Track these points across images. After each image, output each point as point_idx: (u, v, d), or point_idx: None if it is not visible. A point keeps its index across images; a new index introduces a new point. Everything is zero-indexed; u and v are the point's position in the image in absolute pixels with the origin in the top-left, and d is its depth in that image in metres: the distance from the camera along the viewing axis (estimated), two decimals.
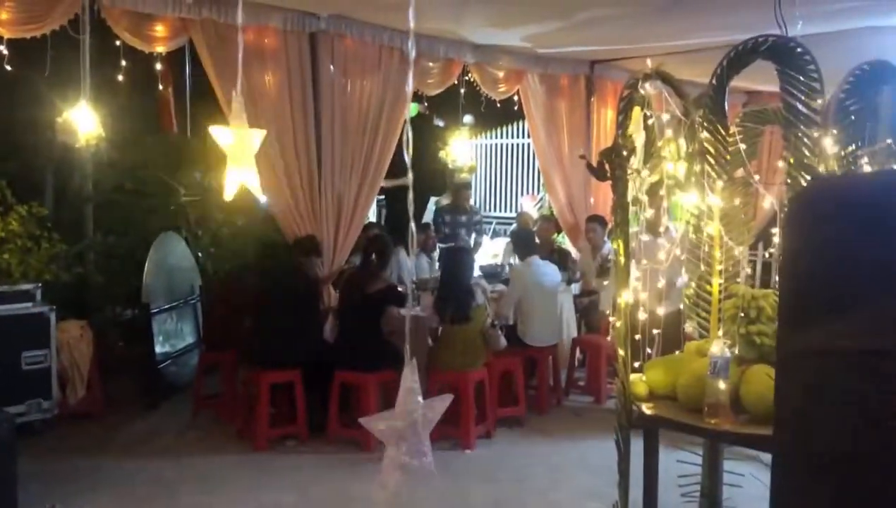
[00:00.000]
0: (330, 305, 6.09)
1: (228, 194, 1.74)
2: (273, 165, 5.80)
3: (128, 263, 6.97)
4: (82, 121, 6.25)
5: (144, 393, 6.34)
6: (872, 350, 1.11)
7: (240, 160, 1.68)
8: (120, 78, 6.41)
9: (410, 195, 1.89)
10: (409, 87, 1.73)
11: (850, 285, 1.16)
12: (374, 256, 5.68)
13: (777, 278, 3.75)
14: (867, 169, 2.94)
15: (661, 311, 3.65)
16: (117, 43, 5.57)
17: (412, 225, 1.83)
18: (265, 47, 5.72)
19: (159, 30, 5.35)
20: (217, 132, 1.70)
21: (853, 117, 2.74)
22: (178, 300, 6.94)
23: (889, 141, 2.86)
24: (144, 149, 7.89)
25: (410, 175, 1.56)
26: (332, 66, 6.09)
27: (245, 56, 5.52)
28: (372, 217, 10.92)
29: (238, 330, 5.86)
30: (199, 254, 7.61)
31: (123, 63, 6.20)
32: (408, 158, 1.36)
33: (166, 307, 6.71)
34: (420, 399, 1.52)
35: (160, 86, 7.91)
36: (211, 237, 7.84)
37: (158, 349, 6.48)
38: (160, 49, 5.61)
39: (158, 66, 7.02)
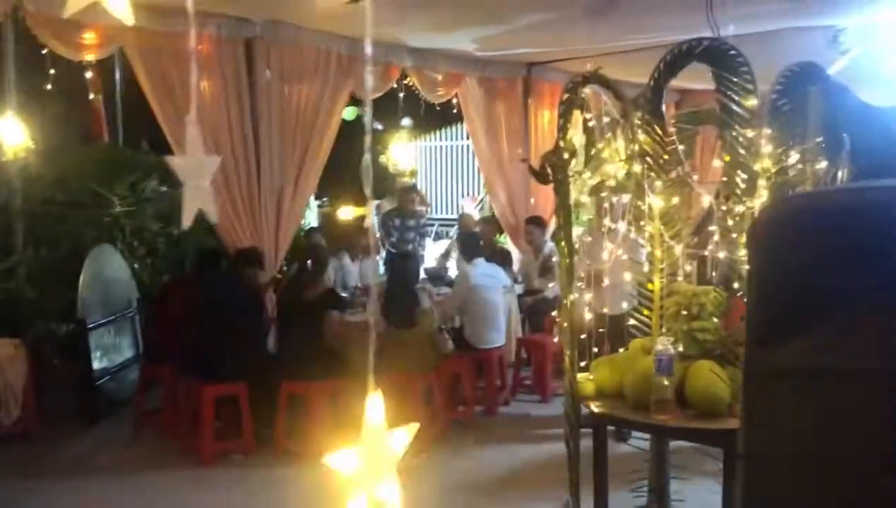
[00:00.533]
0: (272, 316, 6.01)
1: (186, 223, 1.70)
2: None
3: (62, 277, 6.74)
4: (9, 133, 6.03)
5: (83, 411, 6.15)
6: (833, 368, 1.15)
7: (196, 187, 1.64)
8: (48, 87, 6.20)
9: (371, 215, 1.89)
10: (369, 107, 1.70)
11: (811, 303, 1.19)
12: (309, 263, 5.63)
13: (714, 275, 3.86)
14: (798, 167, 3.05)
15: (605, 311, 3.73)
16: (45, 51, 5.39)
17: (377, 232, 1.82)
18: (199, 55, 5.61)
19: (89, 37, 5.18)
20: (172, 161, 1.66)
21: (785, 117, 2.82)
22: (116, 313, 6.75)
23: (818, 139, 2.96)
24: (75, 159, 7.66)
25: (372, 204, 1.55)
26: (268, 72, 6.02)
27: (178, 63, 5.48)
28: (314, 221, 10.84)
29: (179, 342, 5.73)
30: (136, 266, 7.42)
31: (52, 71, 6.00)
32: (367, 190, 1.34)
33: (103, 321, 6.51)
34: (386, 433, 1.46)
35: (91, 95, 7.69)
36: (147, 247, 7.64)
37: (96, 364, 6.28)
38: (90, 57, 5.45)
39: (88, 74, 6.82)
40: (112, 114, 9.06)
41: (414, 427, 1.36)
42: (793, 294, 1.21)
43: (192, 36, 2.09)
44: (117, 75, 8.59)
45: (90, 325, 6.22)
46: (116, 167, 7.72)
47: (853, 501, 1.15)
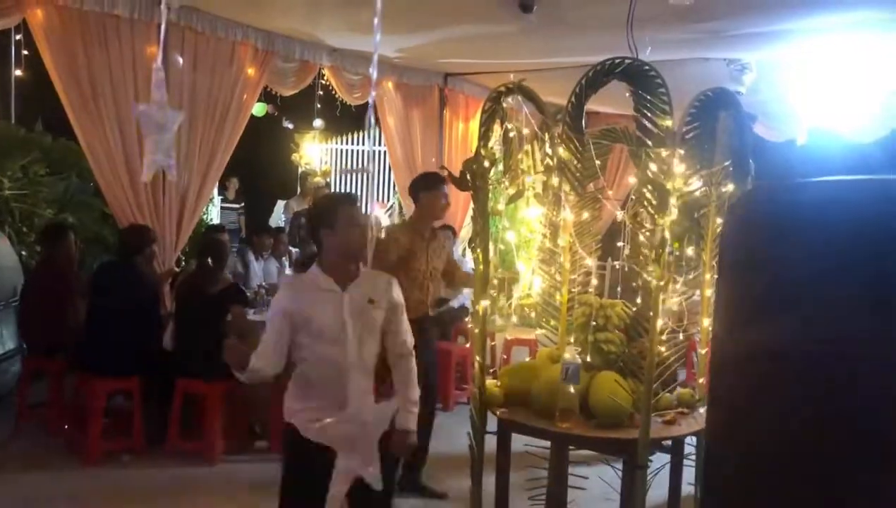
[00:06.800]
0: (169, 310, 5.79)
1: (146, 176, 1.61)
2: (114, 158, 5.50)
3: None
4: None
5: None
6: (794, 353, 1.19)
7: (158, 141, 1.56)
8: None
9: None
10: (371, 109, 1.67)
11: (778, 293, 1.24)
12: (210, 259, 5.47)
13: (620, 289, 3.97)
14: (703, 190, 3.18)
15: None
16: None
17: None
18: (109, 34, 5.38)
19: None
20: (137, 109, 1.56)
21: (696, 139, 2.94)
22: None
23: (727, 163, 3.10)
24: None
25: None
26: (180, 59, 5.83)
27: (88, 43, 5.24)
28: (216, 217, 10.54)
29: (68, 333, 5.45)
30: (24, 253, 7.02)
31: None
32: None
33: None
34: (372, 402, 1.41)
35: None
36: (38, 234, 7.24)
37: None
38: None
39: None
40: (4, 91, 8.58)
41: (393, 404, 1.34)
42: (765, 282, 1.25)
43: None
44: (13, 50, 8.11)
45: None
46: (8, 147, 7.30)
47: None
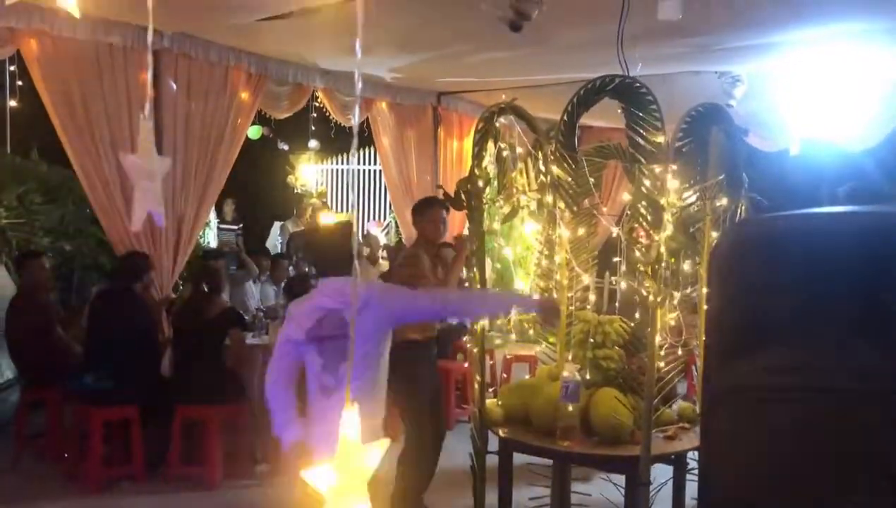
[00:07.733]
0: (167, 337, 5.78)
1: (136, 225, 1.62)
2: (110, 187, 5.50)
3: None
4: None
5: None
6: (783, 387, 1.20)
7: (146, 188, 1.56)
8: None
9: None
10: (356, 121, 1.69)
11: (766, 326, 1.25)
12: (205, 285, 5.47)
13: (618, 305, 3.98)
14: (698, 204, 3.19)
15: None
16: None
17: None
18: (104, 63, 5.41)
19: None
20: (125, 159, 1.57)
21: (689, 154, 2.95)
22: None
23: (720, 177, 3.12)
24: None
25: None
26: (174, 85, 5.85)
27: (82, 71, 5.26)
28: (213, 241, 10.54)
29: (55, 360, 5.43)
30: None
31: None
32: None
33: None
34: (361, 449, 1.38)
35: None
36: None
37: None
38: None
39: None
40: (0, 121, 8.59)
41: (386, 443, 1.32)
42: (753, 315, 1.26)
43: (149, 32, 2.00)
44: (7, 79, 8.14)
45: None
46: (3, 176, 7.31)
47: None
